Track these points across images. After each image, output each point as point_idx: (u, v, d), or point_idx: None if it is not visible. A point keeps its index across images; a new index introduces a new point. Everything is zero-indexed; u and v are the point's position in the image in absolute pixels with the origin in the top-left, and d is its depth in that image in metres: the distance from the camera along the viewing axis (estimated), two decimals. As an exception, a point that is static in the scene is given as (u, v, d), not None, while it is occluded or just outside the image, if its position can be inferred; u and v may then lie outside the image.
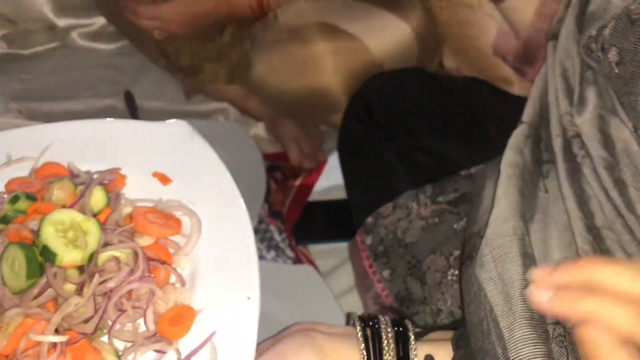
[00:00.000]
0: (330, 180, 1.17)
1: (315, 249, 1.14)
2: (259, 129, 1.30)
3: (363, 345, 0.55)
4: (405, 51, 1.07)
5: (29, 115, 1.25)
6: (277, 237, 1.15)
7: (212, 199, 0.67)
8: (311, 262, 1.12)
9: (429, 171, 0.83)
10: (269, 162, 1.22)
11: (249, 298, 0.58)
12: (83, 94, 1.33)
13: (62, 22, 1.42)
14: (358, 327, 0.57)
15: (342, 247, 0.98)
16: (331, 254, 1.10)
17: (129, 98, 1.28)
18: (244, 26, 1.17)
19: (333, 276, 1.07)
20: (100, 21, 1.42)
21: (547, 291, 0.37)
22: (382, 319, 0.58)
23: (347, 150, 0.95)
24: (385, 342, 0.55)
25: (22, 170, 0.71)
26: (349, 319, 0.60)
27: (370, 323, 0.58)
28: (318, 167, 1.23)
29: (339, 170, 1.00)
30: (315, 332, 0.56)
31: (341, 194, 1.02)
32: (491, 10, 0.82)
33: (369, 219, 0.78)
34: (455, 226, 0.75)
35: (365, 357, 0.55)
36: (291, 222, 1.18)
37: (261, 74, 1.16)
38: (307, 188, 1.22)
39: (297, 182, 1.22)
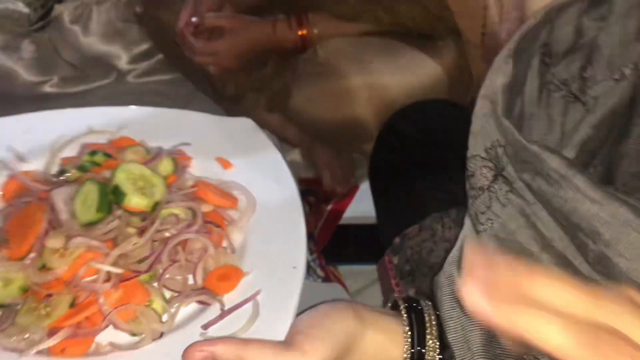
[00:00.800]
0: (361, 206, 1.21)
1: (345, 270, 1.18)
2: (295, 154, 1.36)
3: (408, 327, 0.55)
4: (435, 88, 1.11)
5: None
6: (309, 256, 1.20)
7: (268, 184, 0.71)
8: (340, 282, 1.16)
9: (459, 198, 0.86)
10: (303, 186, 1.27)
11: (295, 267, 0.61)
12: (134, 118, 1.42)
13: (120, 65, 1.52)
14: (403, 309, 0.56)
15: (371, 268, 1.00)
16: (360, 274, 1.15)
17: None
18: (286, 59, 1.23)
19: (361, 296, 1.12)
20: (152, 61, 1.52)
21: (481, 291, 0.29)
22: (424, 302, 0.58)
23: (377, 176, 0.97)
24: (428, 324, 0.56)
25: (100, 142, 0.76)
26: (386, 301, 0.61)
27: (414, 305, 0.57)
28: (349, 193, 1.28)
29: (369, 196, 1.01)
30: (356, 304, 0.57)
31: (371, 220, 1.04)
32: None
33: (397, 240, 0.81)
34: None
35: (410, 338, 0.55)
36: (322, 243, 1.23)
37: (299, 104, 1.22)
38: (338, 212, 1.27)
39: (329, 207, 1.27)
